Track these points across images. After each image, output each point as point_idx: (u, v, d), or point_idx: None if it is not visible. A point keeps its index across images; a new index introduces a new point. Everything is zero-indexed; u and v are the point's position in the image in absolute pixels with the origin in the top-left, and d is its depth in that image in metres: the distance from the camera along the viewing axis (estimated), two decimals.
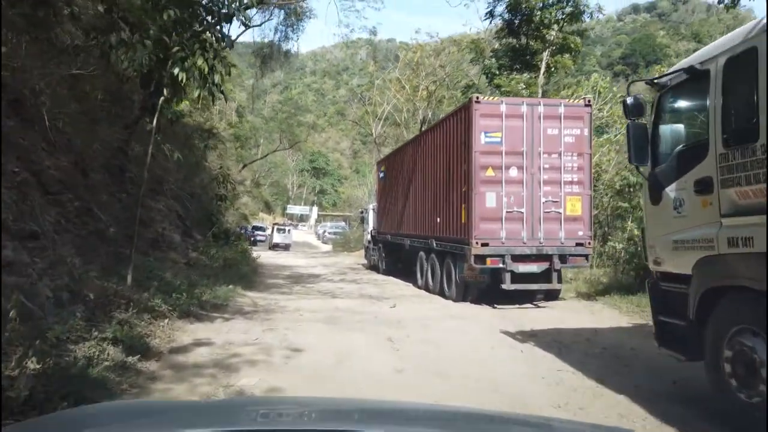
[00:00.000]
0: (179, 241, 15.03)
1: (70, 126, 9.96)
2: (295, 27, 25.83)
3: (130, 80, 13.82)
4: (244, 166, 36.13)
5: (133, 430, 1.46)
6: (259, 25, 29.91)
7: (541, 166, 11.10)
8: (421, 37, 59.59)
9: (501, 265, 10.98)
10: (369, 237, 22.28)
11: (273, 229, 41.21)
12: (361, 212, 24.85)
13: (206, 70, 7.95)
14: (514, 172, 11.06)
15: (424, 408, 2.57)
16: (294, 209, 67.78)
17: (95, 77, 13.42)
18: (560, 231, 11.14)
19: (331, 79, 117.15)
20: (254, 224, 45.30)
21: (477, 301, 11.96)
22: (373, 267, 21.48)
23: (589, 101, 11.42)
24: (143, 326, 6.53)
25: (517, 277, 11.12)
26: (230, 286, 11.75)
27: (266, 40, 28.40)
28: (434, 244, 13.19)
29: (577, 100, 11.99)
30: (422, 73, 26.50)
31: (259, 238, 41.10)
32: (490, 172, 11.01)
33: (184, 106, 20.12)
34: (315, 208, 68.71)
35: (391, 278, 17.38)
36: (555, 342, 7.83)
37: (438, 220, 13.05)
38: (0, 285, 4.94)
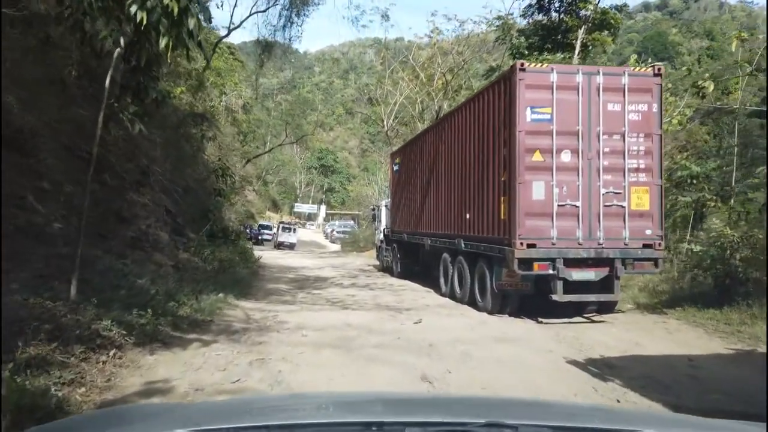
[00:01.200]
0: (167, 240, 12.91)
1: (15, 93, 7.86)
2: (300, 11, 23.73)
3: (109, 55, 11.82)
4: (248, 161, 34.02)
5: (155, 429, 1.41)
6: (264, 11, 27.87)
7: (600, 150, 8.87)
8: (438, 20, 57.54)
9: (551, 272, 8.77)
10: (381, 236, 20.09)
11: (279, 227, 39.36)
12: (373, 209, 22.65)
13: (176, 10, 5.80)
14: (566, 157, 8.85)
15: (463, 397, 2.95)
16: (302, 207, 65.63)
17: (67, 50, 11.40)
18: (624, 229, 8.91)
19: (340, 78, 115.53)
20: (260, 223, 43.42)
21: (516, 312, 9.78)
22: (386, 269, 19.31)
23: (659, 70, 9.15)
24: (69, 366, 4.37)
25: (570, 286, 8.92)
26: (220, 295, 9.62)
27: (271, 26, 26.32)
28: (462, 245, 11.00)
29: (645, 69, 9.73)
30: (437, 60, 24.25)
31: (265, 236, 39.54)
32: (537, 157, 8.80)
33: (179, 92, 18.07)
34: (323, 207, 66.52)
35: (408, 283, 15.19)
36: (647, 379, 5.64)
37: (468, 216, 10.85)
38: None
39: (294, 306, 10.04)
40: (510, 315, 9.78)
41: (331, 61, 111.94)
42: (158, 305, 7.39)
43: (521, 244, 8.63)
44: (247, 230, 32.31)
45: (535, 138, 8.77)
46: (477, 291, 10.40)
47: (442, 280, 12.59)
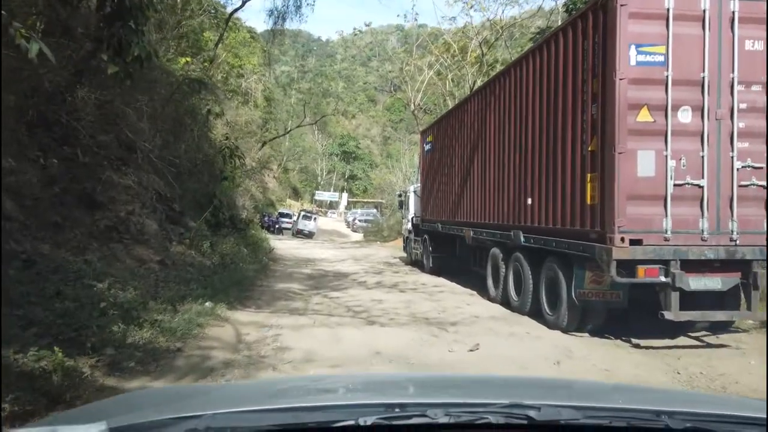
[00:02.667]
0: (155, 230, 10.53)
1: None
2: None
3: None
4: (264, 143, 31.55)
5: (182, 411, 1.31)
6: None
7: (734, 107, 6.15)
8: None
9: (663, 279, 6.11)
10: (409, 226, 17.50)
11: (299, 215, 37.30)
12: (399, 195, 20.04)
13: None
14: (686, 116, 6.15)
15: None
16: (323, 195, 63.10)
17: None
18: (765, 219, 6.20)
19: (362, 65, 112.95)
20: (280, 211, 41.15)
21: (598, 330, 7.17)
22: (414, 263, 16.75)
23: None
24: None
25: (687, 298, 6.25)
26: (206, 304, 7.17)
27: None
28: (521, 239, 8.37)
29: None
30: (471, 28, 21.40)
31: (285, 225, 37.36)
32: (644, 116, 6.11)
33: (183, 63, 15.65)
34: (345, 195, 63.86)
35: (443, 282, 12.62)
36: None
37: (529, 201, 8.21)
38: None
39: (304, 318, 7.53)
40: (590, 333, 7.17)
41: (354, 49, 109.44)
42: (102, 329, 4.96)
43: (621, 239, 5.98)
44: (265, 218, 30.04)
45: (641, 89, 6.08)
46: (544, 300, 7.77)
47: (490, 282, 9.98)
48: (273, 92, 51.75)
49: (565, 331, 7.22)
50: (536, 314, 8.00)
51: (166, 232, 11.09)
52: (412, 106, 24.01)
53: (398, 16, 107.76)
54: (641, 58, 6.07)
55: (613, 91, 6.06)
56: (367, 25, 40.85)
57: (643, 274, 6.08)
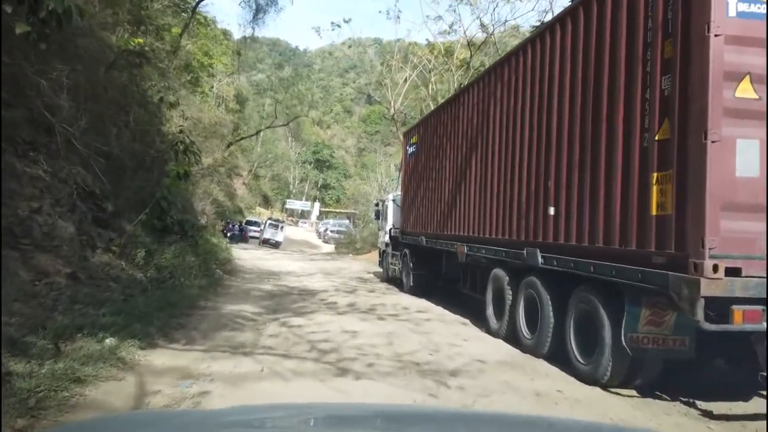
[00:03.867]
0: (72, 234, 8.24)
1: None
2: None
3: None
4: (230, 144, 29.09)
5: None
6: None
7: None
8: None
9: (766, 325, 4.19)
10: (387, 238, 15.43)
11: (266, 224, 35.21)
12: (377, 204, 17.98)
13: None
14: None
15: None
16: (294, 204, 60.46)
17: None
18: None
19: (339, 76, 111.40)
20: (248, 219, 38.75)
21: (646, 386, 5.23)
22: (391, 280, 14.70)
23: None
24: None
25: None
26: (108, 341, 4.96)
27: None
28: (539, 259, 6.40)
29: None
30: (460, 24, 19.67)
31: (252, 233, 35.21)
32: (746, 90, 4.22)
33: (136, 43, 13.33)
34: (317, 204, 61.33)
35: (428, 305, 10.60)
36: None
37: (551, 211, 6.25)
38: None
39: (249, 362, 5.35)
40: (638, 391, 5.22)
41: (331, 60, 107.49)
42: None
43: (714, 267, 4.03)
44: (229, 225, 27.60)
45: (742, 52, 4.19)
46: (573, 342, 5.78)
47: (490, 311, 7.97)
48: (245, 93, 49.38)
49: (606, 386, 5.24)
50: (558, 359, 6.02)
51: (89, 238, 8.79)
52: (392, 110, 22.02)
53: (380, 12, 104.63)
54: (743, 7, 4.19)
55: (702, 52, 4.15)
56: (346, 22, 38.55)
57: (740, 320, 4.14)
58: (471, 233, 8.83)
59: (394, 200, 15.19)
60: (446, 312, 9.69)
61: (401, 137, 14.89)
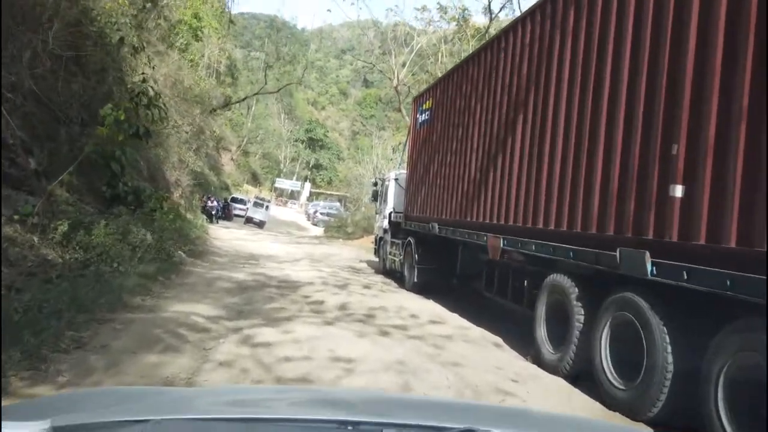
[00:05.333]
0: None
1: None
2: None
3: None
4: (213, 111, 26.25)
5: (114, 415, 1.20)
6: None
7: None
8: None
9: None
10: (386, 224, 12.94)
11: (251, 202, 33.15)
12: (375, 183, 15.41)
13: None
14: None
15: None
16: (284, 183, 57.52)
17: None
18: None
19: (336, 58, 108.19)
20: (233, 195, 36.12)
21: None
22: (389, 272, 12.27)
23: None
24: None
25: None
26: None
27: None
28: (648, 268, 3.96)
29: None
30: None
31: (237, 211, 32.86)
32: None
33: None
34: (308, 184, 58.40)
35: (440, 310, 8.18)
36: None
37: (678, 192, 3.79)
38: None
39: None
40: None
41: (329, 40, 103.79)
42: None
43: None
44: (210, 200, 24.93)
45: None
46: (723, 407, 3.36)
47: (542, 333, 5.52)
48: (239, 67, 46.33)
49: None
50: (677, 426, 3.62)
51: None
52: (395, 81, 19.34)
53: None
54: None
55: None
56: None
57: None
58: (512, 222, 6.38)
59: (396, 179, 12.69)
60: (465, 322, 7.25)
61: (404, 113, 12.28)
